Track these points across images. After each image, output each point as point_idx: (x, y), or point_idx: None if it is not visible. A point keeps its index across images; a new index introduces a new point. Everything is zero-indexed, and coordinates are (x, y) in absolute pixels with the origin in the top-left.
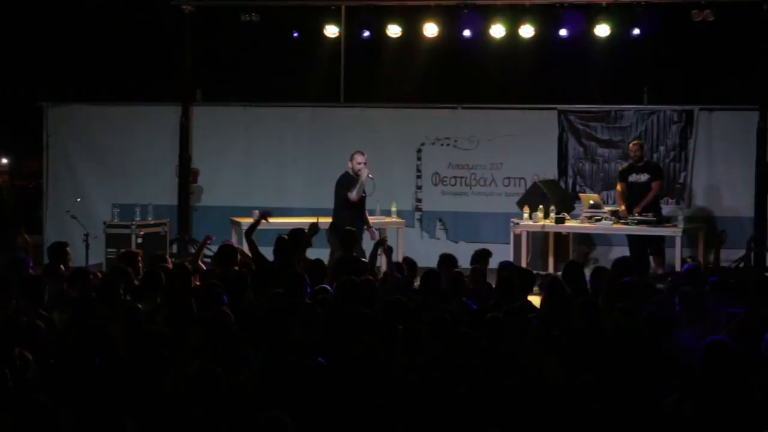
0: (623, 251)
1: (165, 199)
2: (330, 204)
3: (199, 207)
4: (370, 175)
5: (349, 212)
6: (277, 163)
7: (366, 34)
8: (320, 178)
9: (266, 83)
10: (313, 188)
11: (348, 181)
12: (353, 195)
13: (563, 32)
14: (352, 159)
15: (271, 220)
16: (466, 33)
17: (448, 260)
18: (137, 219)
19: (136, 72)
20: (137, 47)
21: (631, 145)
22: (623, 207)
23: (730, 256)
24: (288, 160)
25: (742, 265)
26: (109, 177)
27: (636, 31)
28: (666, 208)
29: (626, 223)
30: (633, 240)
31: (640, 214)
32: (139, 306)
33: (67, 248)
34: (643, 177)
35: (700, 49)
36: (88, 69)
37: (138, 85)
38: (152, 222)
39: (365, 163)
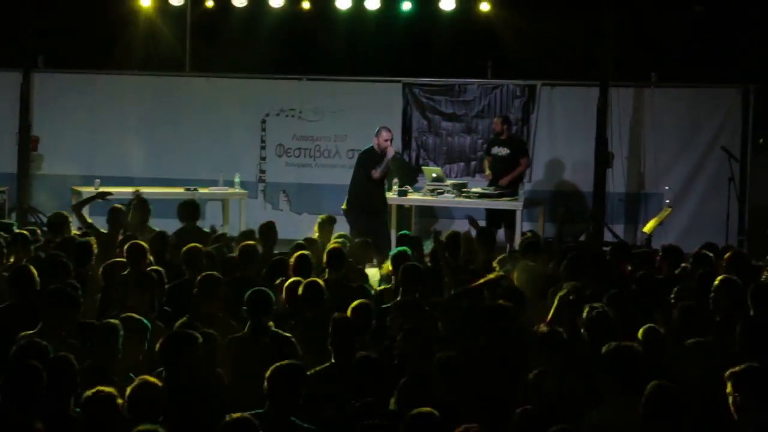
0: (464, 224)
1: (4, 167)
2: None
3: (39, 175)
4: (397, 153)
5: (375, 187)
6: (120, 132)
7: (212, 3)
8: (164, 148)
9: (110, 51)
10: (156, 158)
11: (371, 158)
12: (377, 173)
13: (406, 6)
14: (378, 135)
15: (114, 189)
16: (307, 5)
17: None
18: None
19: None
20: None
21: (495, 119)
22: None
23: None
24: (131, 129)
25: (582, 239)
26: None
27: (481, 6)
28: None
29: (468, 197)
30: (487, 214)
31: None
32: None
33: None
34: (504, 151)
35: (544, 24)
36: None
37: None
38: None
39: (391, 140)
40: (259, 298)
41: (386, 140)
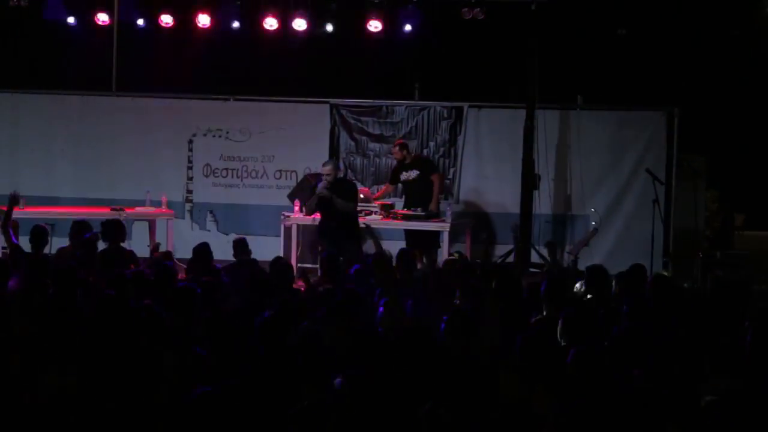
0: (390, 245)
1: None
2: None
3: None
4: (321, 191)
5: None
6: (45, 152)
7: (139, 22)
8: (90, 167)
9: (35, 69)
10: (82, 177)
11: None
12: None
13: (329, 27)
14: None
15: (38, 209)
16: (236, 24)
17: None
18: None
19: None
20: None
21: (393, 147)
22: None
23: (497, 251)
24: (56, 148)
25: (508, 259)
26: None
27: (408, 28)
28: None
29: (395, 218)
30: (407, 235)
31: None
32: None
33: None
34: (413, 173)
35: (471, 46)
36: None
37: None
38: None
39: (327, 175)
40: None
41: (322, 173)
